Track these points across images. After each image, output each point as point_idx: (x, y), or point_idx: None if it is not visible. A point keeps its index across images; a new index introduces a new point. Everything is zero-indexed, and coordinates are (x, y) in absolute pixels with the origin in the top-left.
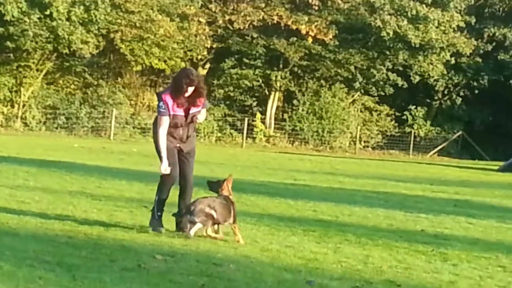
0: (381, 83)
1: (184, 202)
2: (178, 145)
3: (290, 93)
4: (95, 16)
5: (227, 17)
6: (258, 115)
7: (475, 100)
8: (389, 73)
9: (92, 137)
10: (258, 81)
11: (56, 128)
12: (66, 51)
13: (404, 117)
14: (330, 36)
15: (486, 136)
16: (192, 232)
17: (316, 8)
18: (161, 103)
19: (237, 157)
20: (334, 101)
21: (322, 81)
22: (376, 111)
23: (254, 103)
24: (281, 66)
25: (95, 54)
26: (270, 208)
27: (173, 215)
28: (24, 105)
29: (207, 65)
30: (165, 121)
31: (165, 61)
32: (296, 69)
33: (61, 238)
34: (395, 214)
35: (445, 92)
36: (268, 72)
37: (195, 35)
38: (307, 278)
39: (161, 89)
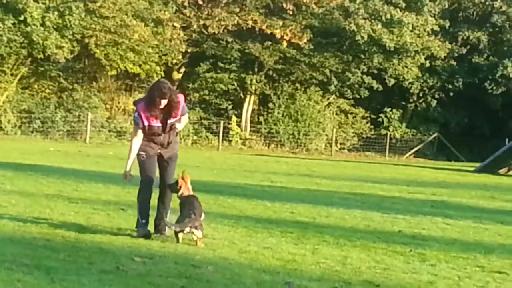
0: (356, 86)
1: (163, 206)
2: (159, 151)
3: (266, 97)
4: (70, 22)
5: (201, 22)
6: (234, 118)
7: (450, 103)
8: (364, 76)
9: (68, 140)
10: (233, 84)
11: (32, 132)
12: (41, 56)
13: (380, 119)
14: (305, 40)
15: (462, 137)
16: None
17: (291, 12)
18: (136, 114)
19: (213, 159)
20: (309, 104)
21: (297, 85)
22: (351, 113)
23: (230, 107)
24: (256, 69)
25: (70, 59)
26: (247, 210)
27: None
28: None
29: (182, 69)
30: (139, 132)
31: (140, 66)
32: (271, 72)
33: (38, 241)
34: (373, 215)
35: (420, 94)
36: (243, 75)
37: (170, 40)
38: (286, 279)
39: (136, 93)
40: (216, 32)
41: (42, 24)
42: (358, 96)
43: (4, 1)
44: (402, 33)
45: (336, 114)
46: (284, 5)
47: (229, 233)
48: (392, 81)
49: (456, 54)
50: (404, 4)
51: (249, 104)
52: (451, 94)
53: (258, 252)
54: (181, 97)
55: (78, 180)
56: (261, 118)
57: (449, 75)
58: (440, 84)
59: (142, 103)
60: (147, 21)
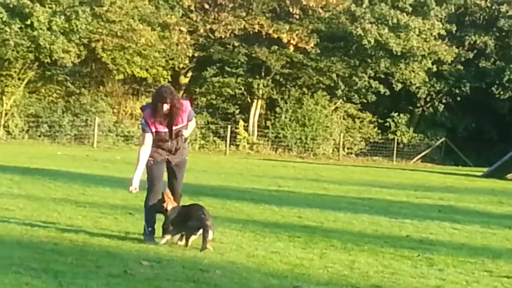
0: (363, 90)
1: None
2: (167, 157)
3: (273, 101)
4: (76, 26)
5: (208, 26)
6: (241, 123)
7: (458, 107)
8: (371, 80)
9: (75, 145)
10: (240, 89)
11: (39, 136)
12: (48, 60)
13: (387, 124)
14: (312, 45)
15: (469, 142)
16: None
17: (297, 17)
18: (143, 120)
19: (220, 164)
20: (316, 108)
21: (304, 89)
22: (358, 118)
23: (237, 111)
24: (263, 74)
25: (77, 63)
26: (255, 214)
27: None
28: (6, 114)
29: (189, 74)
30: (147, 138)
31: (147, 70)
32: (278, 77)
33: (46, 245)
34: (380, 220)
35: (428, 99)
36: (250, 80)
37: (177, 44)
38: (294, 283)
39: (143, 97)
40: (223, 37)
41: (49, 29)
42: (365, 101)
43: (11, 6)
44: (409, 37)
45: (343, 118)
46: (291, 9)
47: (236, 238)
48: (399, 86)
49: (463, 59)
50: (410, 9)
51: (256, 109)
52: (458, 98)
53: (266, 256)
54: (187, 103)
55: (85, 184)
56: (268, 123)
57: (456, 79)
58: (447, 89)
59: (148, 109)
60: (154, 25)
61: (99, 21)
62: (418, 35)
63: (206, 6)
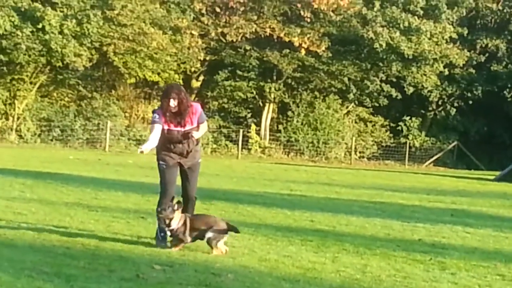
0: (375, 94)
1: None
2: (179, 160)
3: (284, 105)
4: (88, 30)
5: (219, 30)
6: (253, 127)
7: (470, 111)
8: (383, 84)
9: (87, 149)
10: (252, 93)
11: (51, 140)
12: (59, 64)
13: (399, 127)
14: (323, 48)
15: (481, 146)
16: None
17: (309, 20)
18: (155, 114)
19: (233, 168)
20: (328, 112)
21: (316, 93)
22: (370, 122)
23: (249, 115)
24: (274, 78)
25: (89, 67)
26: (267, 218)
27: None
28: (18, 118)
29: (201, 78)
30: (156, 127)
31: (158, 74)
32: (289, 80)
33: (58, 249)
34: (392, 223)
35: (439, 102)
36: (261, 84)
37: (188, 48)
38: (306, 287)
39: (155, 101)
40: (234, 40)
41: (61, 32)
42: (377, 104)
43: (23, 9)
44: (420, 41)
45: (355, 122)
46: (302, 12)
47: (249, 241)
48: (411, 89)
49: (474, 62)
50: (422, 12)
51: (268, 112)
52: (470, 102)
53: (278, 260)
54: (197, 105)
55: (97, 188)
56: (280, 127)
57: (468, 83)
58: (459, 92)
59: (159, 110)
60: (165, 29)
61: (110, 24)
62: (429, 39)
63: (218, 10)
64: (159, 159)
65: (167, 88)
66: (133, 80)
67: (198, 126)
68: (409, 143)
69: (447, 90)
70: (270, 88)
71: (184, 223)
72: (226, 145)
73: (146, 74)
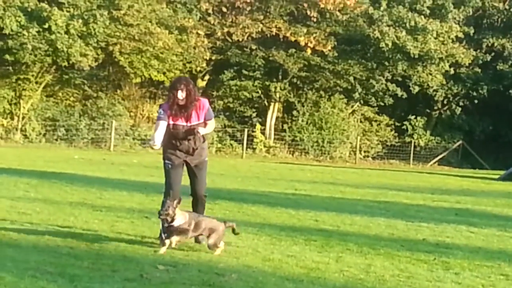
0: (380, 93)
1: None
2: (185, 158)
3: (290, 104)
4: (94, 29)
5: (225, 29)
6: (258, 126)
7: (475, 110)
8: (389, 83)
9: (92, 148)
10: (258, 92)
11: (56, 140)
12: (65, 63)
13: (404, 127)
14: (329, 48)
15: (486, 145)
16: None
17: (315, 20)
18: (160, 110)
19: (237, 167)
20: (333, 111)
21: (322, 92)
22: (376, 121)
23: (254, 114)
24: (280, 77)
25: (94, 66)
26: (271, 218)
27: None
28: (23, 118)
29: (206, 77)
30: (160, 124)
31: (164, 73)
32: (295, 80)
33: (62, 249)
34: (397, 223)
35: (445, 102)
36: (267, 83)
37: (194, 47)
38: (309, 287)
39: (160, 101)
40: (240, 40)
41: (67, 32)
42: (382, 104)
43: (29, 9)
44: (427, 40)
45: (360, 121)
46: (308, 12)
47: (252, 241)
48: (417, 89)
49: (480, 61)
50: (428, 11)
51: (273, 112)
52: (476, 101)
53: (282, 260)
54: (205, 101)
55: (102, 188)
56: (285, 126)
57: (474, 82)
58: (464, 92)
59: (166, 103)
60: (171, 28)
61: (116, 24)
62: (435, 38)
63: (224, 10)
64: (165, 158)
65: (175, 80)
66: (138, 80)
67: (205, 122)
68: (414, 142)
69: (453, 89)
70: (275, 88)
71: (188, 221)
72: (231, 144)
73: (151, 74)
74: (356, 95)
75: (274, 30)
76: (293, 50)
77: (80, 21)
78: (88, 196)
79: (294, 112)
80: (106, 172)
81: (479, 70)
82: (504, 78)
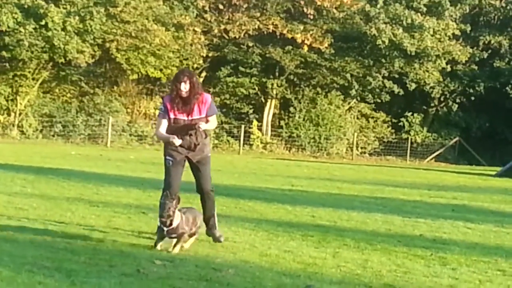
0: (377, 90)
1: (207, 208)
2: (187, 154)
3: (287, 101)
4: (91, 26)
5: (222, 27)
6: (255, 122)
7: (472, 107)
8: (385, 80)
9: (89, 144)
10: (254, 89)
11: (53, 135)
12: (62, 60)
13: (401, 123)
14: (326, 45)
15: (483, 142)
16: None
17: (311, 17)
18: (161, 106)
19: (234, 163)
20: (330, 108)
21: (318, 89)
22: (372, 118)
23: (251, 111)
24: (277, 74)
25: (91, 63)
26: (268, 213)
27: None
28: (20, 114)
29: (203, 74)
30: (163, 123)
31: (161, 70)
32: (292, 77)
33: (59, 244)
34: (393, 219)
35: (442, 99)
36: (264, 80)
37: (191, 44)
38: (307, 282)
39: (157, 97)
40: (237, 37)
41: (63, 29)
42: (379, 101)
43: (26, 6)
44: (423, 37)
45: (357, 118)
46: (305, 9)
47: (250, 237)
48: (413, 86)
49: (477, 59)
50: (425, 9)
51: (270, 108)
52: (472, 98)
53: (279, 255)
54: (208, 96)
55: (99, 183)
56: (282, 122)
57: (470, 79)
58: (461, 89)
59: (168, 96)
60: (168, 25)
61: (113, 21)
62: (432, 35)
63: (221, 7)
64: (166, 154)
65: (179, 72)
66: (135, 76)
67: (206, 118)
68: (411, 139)
69: (449, 86)
70: (272, 84)
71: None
72: (228, 140)
73: (148, 71)
74: (353, 92)
75: (271, 27)
76: (290, 47)
77: (77, 18)
78: (85, 192)
79: (291, 109)
80: (103, 168)
81: (476, 67)
82: (500, 75)
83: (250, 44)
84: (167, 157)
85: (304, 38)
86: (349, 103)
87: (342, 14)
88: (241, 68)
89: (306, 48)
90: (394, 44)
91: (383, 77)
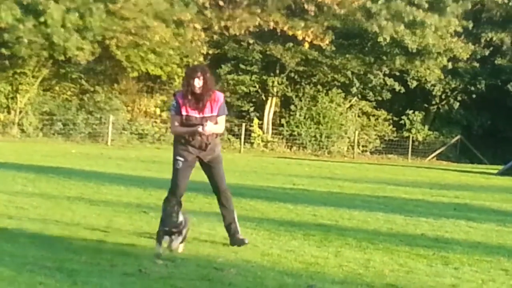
0: (378, 88)
1: (225, 209)
2: (198, 154)
3: (287, 98)
4: (90, 23)
5: (222, 23)
6: (256, 121)
7: (473, 105)
8: (386, 78)
9: (90, 143)
10: (255, 86)
11: (53, 134)
12: (62, 58)
13: (402, 121)
14: (327, 42)
15: (485, 140)
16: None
17: (312, 13)
18: (173, 102)
19: (235, 162)
20: (331, 106)
21: (319, 86)
22: (373, 116)
23: (251, 109)
24: (277, 71)
25: (91, 60)
26: (269, 212)
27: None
28: (20, 112)
29: None
30: (178, 119)
31: (161, 67)
32: (292, 74)
33: (60, 244)
34: (395, 218)
35: (443, 96)
36: (264, 77)
37: (191, 41)
38: (309, 282)
39: (157, 95)
40: (237, 34)
41: (63, 26)
42: (380, 98)
43: (25, 3)
44: (425, 34)
45: (358, 116)
46: (306, 6)
47: (251, 236)
48: (415, 83)
49: (479, 56)
50: (426, 5)
51: (271, 106)
52: (474, 96)
53: (281, 255)
54: (221, 95)
55: (99, 182)
56: (283, 120)
57: (472, 77)
58: (462, 86)
59: (180, 93)
60: (168, 22)
61: (113, 18)
62: (434, 32)
63: (221, 3)
64: (176, 154)
65: (192, 67)
66: (135, 74)
67: (216, 117)
68: (412, 137)
69: (451, 84)
70: (273, 82)
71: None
72: (229, 139)
73: (148, 68)
74: (354, 90)
75: (271, 24)
76: (291, 44)
77: (76, 14)
78: (86, 191)
79: (292, 107)
80: (103, 166)
81: (477, 65)
82: (502, 72)
83: (251, 41)
84: (178, 157)
85: (305, 35)
86: (350, 101)
87: (343, 10)
88: (241, 66)
89: (307, 45)
90: (395, 41)
91: (384, 74)
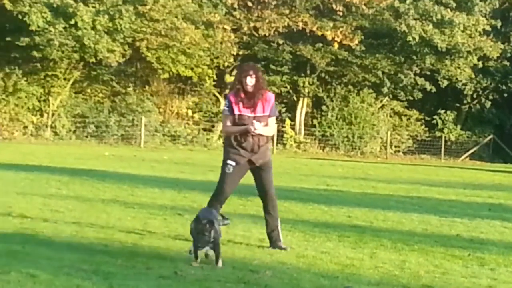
0: (409, 87)
1: (270, 216)
2: (250, 157)
3: (319, 99)
4: (120, 25)
5: (252, 24)
6: (288, 121)
7: (505, 104)
8: (417, 77)
9: (123, 145)
10: (286, 87)
11: (86, 136)
12: (93, 60)
13: (434, 121)
14: (356, 42)
15: None
16: None
17: (341, 14)
18: (226, 101)
19: None
20: (363, 106)
21: (350, 87)
22: (405, 115)
23: (283, 109)
24: (308, 72)
25: (122, 62)
26: (304, 214)
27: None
28: (53, 114)
29: (234, 72)
30: (230, 119)
31: (192, 69)
32: (323, 74)
33: (96, 247)
34: (430, 218)
35: (474, 96)
36: (295, 78)
37: (221, 43)
38: (344, 284)
39: (189, 96)
40: (267, 34)
41: (93, 28)
42: (411, 98)
43: (55, 5)
44: (454, 33)
45: (390, 116)
46: (334, 6)
47: (286, 238)
48: (445, 83)
49: (509, 54)
50: (454, 4)
51: (303, 107)
52: (505, 95)
53: (316, 256)
54: (272, 95)
55: (133, 184)
56: (315, 121)
57: (503, 75)
58: (493, 85)
59: (232, 92)
60: (198, 23)
61: (142, 20)
62: (462, 31)
63: (249, 4)
64: (227, 158)
65: (244, 65)
66: (166, 76)
67: (267, 118)
68: (445, 137)
69: (482, 83)
70: (303, 83)
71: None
72: None
73: (179, 69)
74: (385, 90)
75: (300, 24)
76: (320, 44)
77: (106, 16)
78: (120, 193)
79: (323, 107)
80: (137, 168)
81: (508, 63)
82: None
83: (280, 41)
84: (229, 162)
85: (334, 35)
86: (381, 101)
87: (372, 10)
88: (272, 66)
89: (336, 45)
90: (424, 41)
91: (415, 74)
